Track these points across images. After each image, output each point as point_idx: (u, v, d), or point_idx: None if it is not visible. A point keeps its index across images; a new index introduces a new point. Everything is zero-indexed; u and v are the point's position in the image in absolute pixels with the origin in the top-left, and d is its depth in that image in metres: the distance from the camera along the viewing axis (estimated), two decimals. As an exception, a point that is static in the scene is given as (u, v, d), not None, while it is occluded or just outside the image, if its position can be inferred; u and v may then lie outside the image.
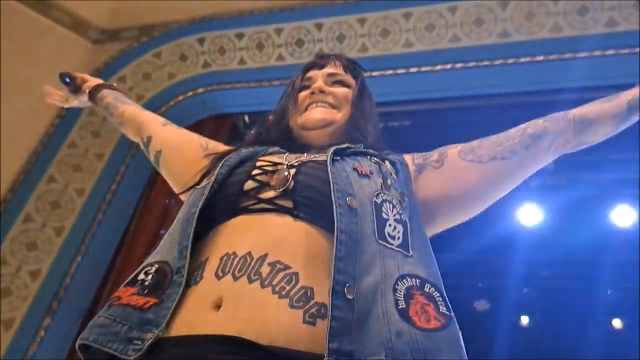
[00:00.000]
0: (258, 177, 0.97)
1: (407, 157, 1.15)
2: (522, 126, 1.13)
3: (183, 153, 1.26)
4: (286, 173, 0.95)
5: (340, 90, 1.24)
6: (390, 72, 3.16)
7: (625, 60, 2.74)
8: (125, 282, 0.92)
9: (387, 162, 1.06)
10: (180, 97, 3.52)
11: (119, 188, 3.23)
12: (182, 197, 1.13)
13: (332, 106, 1.21)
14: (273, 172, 0.97)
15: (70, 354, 2.72)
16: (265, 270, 0.82)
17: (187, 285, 0.84)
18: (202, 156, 1.19)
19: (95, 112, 3.44)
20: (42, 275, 2.89)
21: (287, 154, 1.08)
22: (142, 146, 1.37)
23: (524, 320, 4.82)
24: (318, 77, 1.26)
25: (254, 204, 0.93)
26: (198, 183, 1.05)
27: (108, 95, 1.49)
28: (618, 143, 3.59)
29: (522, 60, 2.88)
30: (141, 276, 0.90)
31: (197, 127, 3.56)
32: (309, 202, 0.91)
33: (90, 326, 0.86)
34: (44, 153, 3.22)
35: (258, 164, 1.01)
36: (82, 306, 2.92)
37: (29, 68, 3.31)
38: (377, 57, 3.18)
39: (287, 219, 0.90)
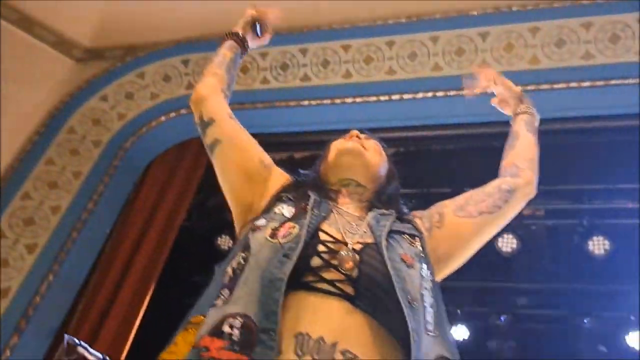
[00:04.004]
0: (323, 255, 1.03)
1: (419, 222, 1.27)
2: (495, 183, 1.32)
3: (242, 158, 1.29)
4: (353, 264, 1.02)
5: (371, 141, 1.38)
6: (373, 98, 3.20)
7: (600, 92, 2.82)
8: (206, 329, 0.95)
9: (417, 241, 1.17)
10: (163, 118, 3.50)
11: (96, 207, 3.18)
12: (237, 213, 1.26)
13: (364, 148, 1.33)
14: (336, 251, 1.03)
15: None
16: (338, 357, 0.91)
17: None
18: (260, 171, 1.28)
19: (74, 130, 3.40)
20: (11, 292, 2.81)
21: (342, 226, 1.14)
22: (196, 119, 1.36)
23: (501, 348, 4.82)
24: (356, 131, 1.38)
25: (317, 281, 0.99)
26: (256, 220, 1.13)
27: (231, 53, 1.47)
28: (596, 174, 3.64)
29: (502, 90, 2.94)
30: (226, 328, 0.92)
31: (180, 149, 3.55)
32: (371, 297, 0.99)
33: None
34: (19, 169, 3.17)
35: (322, 237, 1.07)
36: (52, 326, 2.85)
37: (9, 85, 3.28)
38: (360, 84, 3.23)
39: (348, 306, 0.97)
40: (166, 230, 3.28)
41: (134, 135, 3.46)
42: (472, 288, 4.41)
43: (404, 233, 1.16)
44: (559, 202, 3.85)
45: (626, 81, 2.77)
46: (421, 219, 1.29)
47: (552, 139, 3.32)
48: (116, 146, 3.41)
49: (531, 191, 1.33)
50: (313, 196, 1.17)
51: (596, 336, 4.49)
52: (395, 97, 3.16)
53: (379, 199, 1.29)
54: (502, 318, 4.61)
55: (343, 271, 1.00)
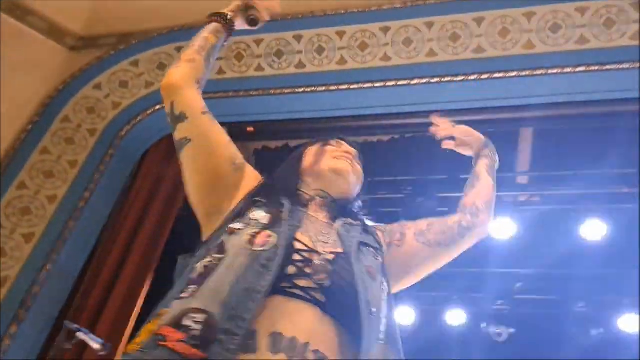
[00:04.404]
0: (298, 264, 1.09)
1: (380, 236, 1.36)
2: (456, 218, 1.42)
3: (212, 159, 1.25)
4: (325, 274, 1.09)
5: (357, 164, 1.43)
6: (368, 85, 3.19)
7: (595, 77, 2.82)
8: (167, 319, 0.96)
9: (379, 254, 1.26)
10: (158, 106, 3.49)
11: (92, 196, 3.18)
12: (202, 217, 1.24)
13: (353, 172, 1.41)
14: (310, 260, 1.10)
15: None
16: (310, 356, 0.98)
17: (242, 351, 0.94)
18: (230, 173, 1.25)
19: (69, 119, 3.39)
20: (9, 282, 2.82)
21: (314, 234, 1.19)
22: (167, 109, 1.28)
23: (498, 332, 4.86)
24: (350, 148, 1.42)
25: (291, 287, 1.05)
26: (225, 225, 1.15)
27: (215, 38, 1.37)
28: (591, 159, 3.65)
29: (496, 75, 2.94)
30: (187, 322, 0.94)
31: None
32: (339, 305, 1.06)
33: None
34: (15, 158, 3.17)
35: (297, 246, 1.12)
36: (51, 315, 2.86)
37: (2, 74, 3.25)
38: (355, 70, 3.22)
39: (319, 312, 1.04)
40: (163, 218, 3.29)
41: (129, 124, 3.44)
42: (468, 273, 4.44)
43: (369, 245, 1.24)
44: (554, 188, 3.86)
45: (621, 66, 2.77)
46: (383, 232, 1.38)
47: (547, 124, 3.33)
48: (111, 135, 3.40)
49: (485, 233, 1.45)
50: (287, 204, 1.20)
51: (591, 320, 4.53)
52: (390, 83, 3.16)
53: (345, 208, 1.37)
54: (497, 303, 4.64)
55: (316, 280, 1.07)
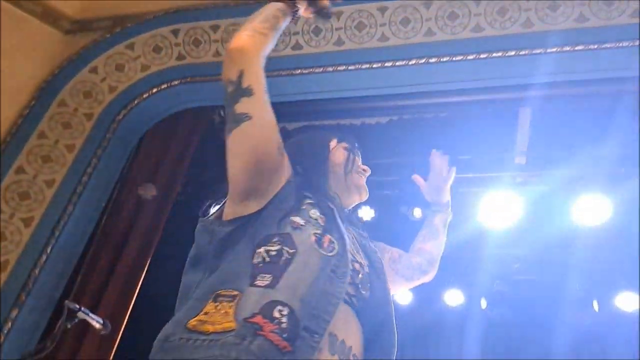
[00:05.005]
0: (351, 273, 1.17)
1: None
2: (418, 260, 1.71)
3: (266, 141, 1.21)
4: (369, 285, 1.24)
5: None
6: (365, 66, 3.17)
7: (594, 56, 2.80)
8: (256, 308, 0.98)
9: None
10: (154, 90, 3.47)
11: (90, 180, 3.17)
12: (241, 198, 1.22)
13: None
14: (357, 271, 1.22)
15: (38, 345, 2.68)
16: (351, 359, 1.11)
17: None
18: (277, 158, 1.23)
19: (65, 103, 3.37)
20: (9, 266, 2.83)
21: (352, 244, 1.28)
22: (231, 75, 1.19)
23: (495, 312, 4.90)
24: (367, 167, 1.54)
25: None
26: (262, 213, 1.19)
27: (284, 19, 1.32)
28: (589, 139, 3.63)
29: (495, 55, 2.92)
30: (276, 314, 0.98)
31: (173, 121, 3.53)
32: (370, 316, 1.19)
33: (244, 347, 0.94)
34: (13, 143, 3.16)
35: (350, 256, 1.20)
36: (51, 298, 2.88)
37: (-3, 59, 3.23)
38: (352, 51, 3.19)
39: (355, 319, 1.16)
40: (161, 202, 3.29)
41: (125, 108, 3.42)
42: (466, 254, 4.47)
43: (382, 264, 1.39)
44: (553, 168, 3.86)
45: (620, 44, 2.75)
46: None
47: (545, 104, 3.32)
48: (108, 119, 3.38)
49: (429, 280, 1.74)
50: (335, 210, 1.27)
51: (589, 299, 4.56)
52: (388, 64, 3.13)
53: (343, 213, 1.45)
54: (495, 283, 4.68)
55: (360, 290, 1.19)
